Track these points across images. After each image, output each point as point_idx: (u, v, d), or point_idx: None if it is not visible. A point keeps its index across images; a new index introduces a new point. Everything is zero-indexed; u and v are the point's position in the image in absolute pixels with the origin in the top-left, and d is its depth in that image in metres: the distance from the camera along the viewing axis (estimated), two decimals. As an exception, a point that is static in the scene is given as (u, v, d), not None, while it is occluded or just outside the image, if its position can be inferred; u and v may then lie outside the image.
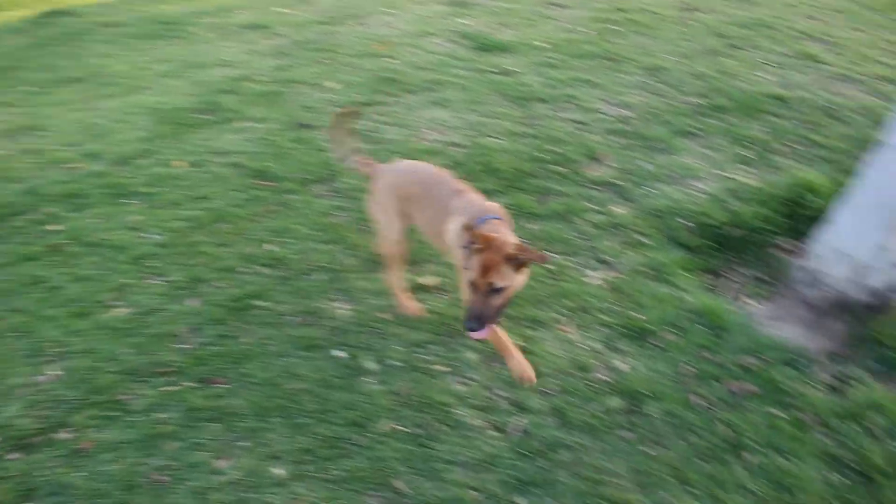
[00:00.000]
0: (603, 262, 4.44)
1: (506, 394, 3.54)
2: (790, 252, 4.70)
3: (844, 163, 5.21)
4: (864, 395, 3.44)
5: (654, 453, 3.23)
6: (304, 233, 4.79)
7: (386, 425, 3.39)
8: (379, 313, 4.07)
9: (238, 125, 6.24)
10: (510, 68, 6.90)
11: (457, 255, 3.31)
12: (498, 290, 2.99)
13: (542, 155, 5.42)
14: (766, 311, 4.24)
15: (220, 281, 4.39)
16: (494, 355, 3.69)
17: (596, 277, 4.31)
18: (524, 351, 3.68)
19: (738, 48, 7.22)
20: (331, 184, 5.30)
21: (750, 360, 3.69)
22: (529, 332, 3.90)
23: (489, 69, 6.89)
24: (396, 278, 4.02)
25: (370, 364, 3.74)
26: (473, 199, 3.42)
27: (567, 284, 4.23)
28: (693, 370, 3.62)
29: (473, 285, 3.01)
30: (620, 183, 5.14)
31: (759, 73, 6.61)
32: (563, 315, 4.02)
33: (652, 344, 3.80)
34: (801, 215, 4.77)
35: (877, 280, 3.98)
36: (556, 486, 3.10)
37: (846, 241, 4.00)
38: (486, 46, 7.41)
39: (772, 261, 4.63)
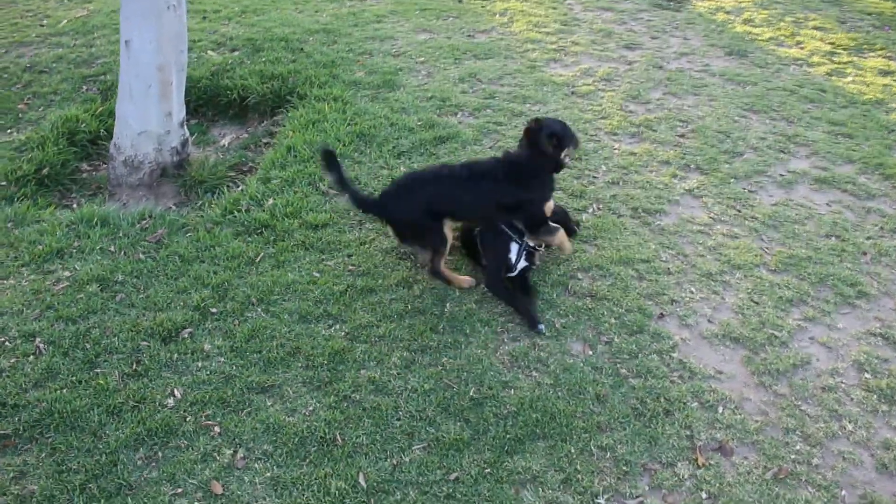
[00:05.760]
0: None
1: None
2: (93, 168, 5.83)
3: (80, 96, 6.41)
4: (225, 201, 5.00)
5: (143, 295, 4.16)
6: None
7: None
8: None
9: None
10: None
11: None
12: None
13: None
14: (114, 204, 5.33)
15: None
16: None
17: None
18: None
19: None
20: None
21: (144, 223, 4.81)
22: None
23: None
24: None
25: None
26: None
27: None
28: (118, 247, 4.55)
29: None
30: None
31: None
32: None
33: (73, 254, 4.51)
34: (82, 140, 5.87)
35: (175, 141, 5.46)
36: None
37: (140, 124, 5.29)
38: None
39: (86, 180, 5.68)
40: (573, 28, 7.80)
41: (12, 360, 3.71)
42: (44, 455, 3.25)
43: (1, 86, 6.65)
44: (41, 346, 3.79)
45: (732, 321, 4.07)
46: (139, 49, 5.10)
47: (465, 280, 4.27)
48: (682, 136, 5.84)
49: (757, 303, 4.21)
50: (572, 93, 6.46)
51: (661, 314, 4.11)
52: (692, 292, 4.28)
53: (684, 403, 3.56)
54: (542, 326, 3.94)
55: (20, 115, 6.21)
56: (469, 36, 7.60)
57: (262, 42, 7.31)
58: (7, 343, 3.82)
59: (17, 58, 7.13)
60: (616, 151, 5.61)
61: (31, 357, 3.73)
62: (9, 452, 3.28)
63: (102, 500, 3.06)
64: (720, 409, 3.55)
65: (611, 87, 6.57)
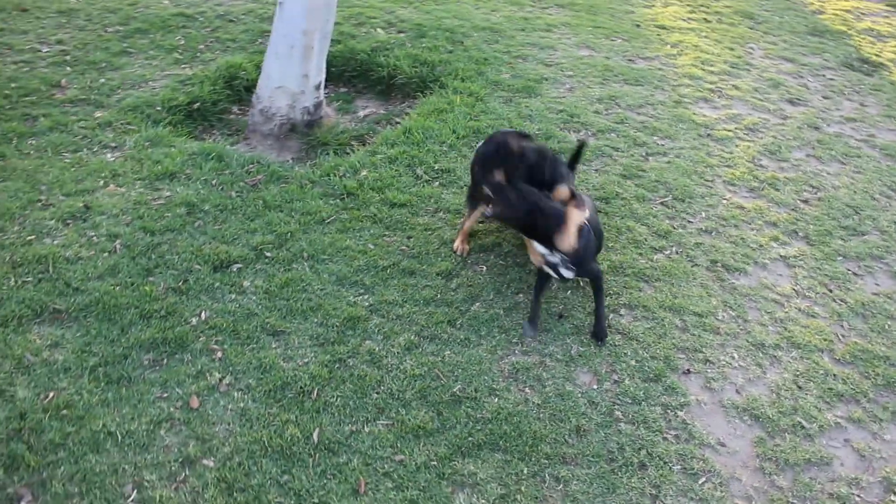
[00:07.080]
0: (112, 147, 5.43)
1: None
2: (242, 112, 6.41)
3: (252, 47, 7.06)
4: (327, 164, 5.35)
5: (217, 226, 4.59)
6: None
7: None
8: None
9: None
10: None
11: None
12: None
13: (8, 93, 5.95)
14: (243, 147, 5.86)
15: None
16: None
17: (114, 156, 5.31)
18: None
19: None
20: None
21: (251, 167, 5.26)
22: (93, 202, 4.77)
23: None
24: None
25: None
26: None
27: (94, 165, 5.14)
28: (220, 181, 5.03)
29: None
30: (90, 97, 6.08)
31: (162, 2, 8.01)
32: (109, 182, 4.96)
33: (181, 179, 5.05)
34: (239, 85, 6.48)
35: (308, 101, 5.90)
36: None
37: (279, 80, 5.78)
38: None
39: (231, 121, 6.27)
40: (741, 72, 7.43)
41: (91, 253, 4.26)
42: (79, 334, 3.73)
43: (194, 28, 7.46)
44: (118, 247, 4.32)
45: (762, 398, 3.81)
46: (289, 12, 5.56)
47: (464, 249, 4.54)
48: (805, 201, 5.44)
49: (800, 388, 3.90)
50: (707, 135, 6.20)
51: (688, 370, 3.92)
52: (733, 358, 4.03)
53: (665, 462, 3.40)
54: (530, 334, 3.91)
55: (198, 54, 6.96)
56: (629, 60, 7.48)
57: (428, 29, 7.63)
58: (94, 238, 4.39)
59: (215, 5, 7.97)
60: (724, 202, 5.34)
61: (106, 254, 4.26)
62: (56, 324, 3.79)
63: (103, 384, 3.48)
64: (701, 480, 3.35)
65: (751, 138, 6.22)
